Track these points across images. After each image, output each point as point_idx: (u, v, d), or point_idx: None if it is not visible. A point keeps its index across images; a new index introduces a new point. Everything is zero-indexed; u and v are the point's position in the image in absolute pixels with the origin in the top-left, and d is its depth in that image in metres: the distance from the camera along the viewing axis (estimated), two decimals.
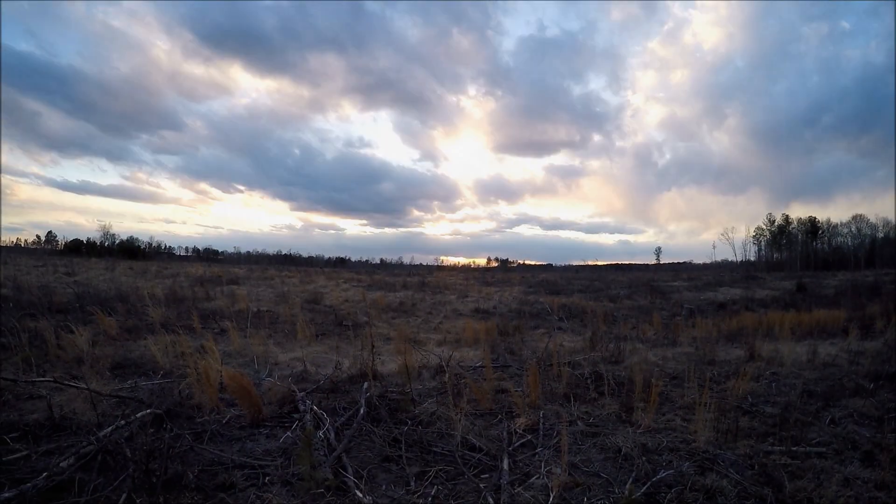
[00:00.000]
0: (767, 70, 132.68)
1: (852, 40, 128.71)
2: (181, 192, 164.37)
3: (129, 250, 65.04)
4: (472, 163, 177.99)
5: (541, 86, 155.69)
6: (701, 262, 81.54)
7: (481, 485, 2.55)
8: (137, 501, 2.23)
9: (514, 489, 2.52)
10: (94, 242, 68.84)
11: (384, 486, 2.57)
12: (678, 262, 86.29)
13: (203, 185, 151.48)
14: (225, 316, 8.86)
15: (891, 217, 62.93)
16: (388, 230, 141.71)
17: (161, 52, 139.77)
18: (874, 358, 5.73)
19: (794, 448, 3.01)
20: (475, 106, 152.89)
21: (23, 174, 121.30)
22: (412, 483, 2.59)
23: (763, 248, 73.02)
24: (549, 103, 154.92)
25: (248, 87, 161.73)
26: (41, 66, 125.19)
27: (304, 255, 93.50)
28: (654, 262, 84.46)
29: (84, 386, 3.51)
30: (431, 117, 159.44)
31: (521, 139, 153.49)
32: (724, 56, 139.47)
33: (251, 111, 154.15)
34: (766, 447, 3.05)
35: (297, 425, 3.34)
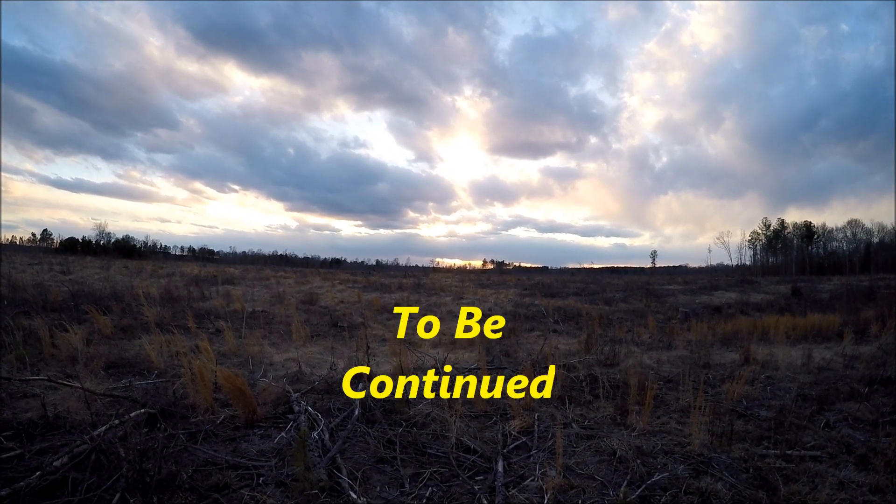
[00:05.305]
0: (765, 72, 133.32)
1: (851, 43, 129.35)
2: (175, 191, 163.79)
3: (125, 249, 64.67)
4: (468, 164, 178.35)
5: (537, 86, 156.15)
6: (696, 265, 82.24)
7: (476, 487, 2.55)
8: (131, 501, 2.22)
9: (509, 491, 2.51)
10: (90, 241, 68.39)
11: (379, 488, 2.56)
12: (674, 266, 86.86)
13: (197, 184, 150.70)
14: (220, 316, 8.83)
15: (886, 222, 63.49)
16: (383, 231, 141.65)
17: (154, 48, 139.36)
18: (869, 362, 5.76)
19: (789, 451, 3.03)
20: (471, 106, 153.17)
21: (17, 171, 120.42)
22: (407, 485, 2.59)
23: (759, 252, 73.50)
24: (546, 104, 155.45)
25: (243, 86, 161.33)
26: (35, 62, 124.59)
27: (300, 255, 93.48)
28: (649, 265, 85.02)
29: (78, 385, 3.48)
30: (427, 118, 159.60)
31: (517, 141, 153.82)
32: (721, 58, 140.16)
33: (245, 110, 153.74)
34: (760, 450, 3.06)
35: (291, 426, 3.33)
